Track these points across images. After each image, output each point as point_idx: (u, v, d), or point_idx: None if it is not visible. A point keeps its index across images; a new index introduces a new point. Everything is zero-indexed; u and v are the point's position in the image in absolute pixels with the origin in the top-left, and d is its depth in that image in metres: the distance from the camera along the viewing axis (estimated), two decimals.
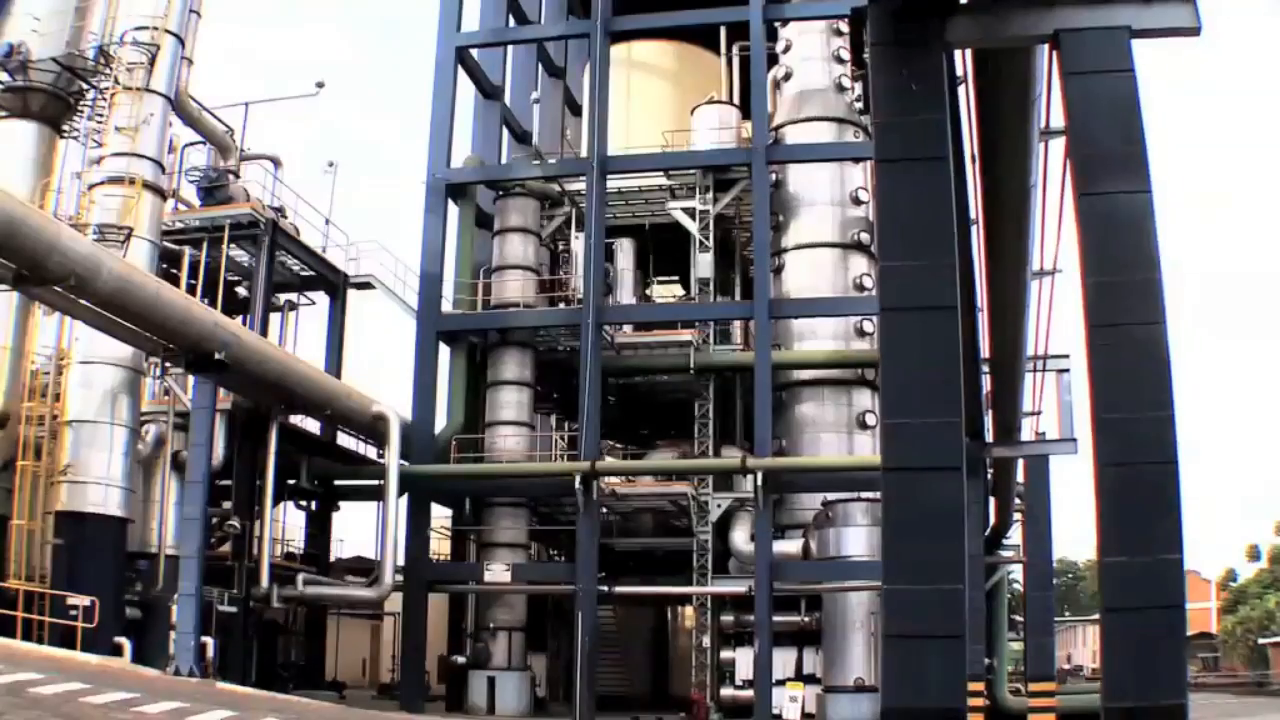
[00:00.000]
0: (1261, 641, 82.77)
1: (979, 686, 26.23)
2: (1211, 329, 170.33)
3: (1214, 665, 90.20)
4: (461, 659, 37.45)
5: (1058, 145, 11.41)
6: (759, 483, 34.03)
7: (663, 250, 43.34)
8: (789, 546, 36.01)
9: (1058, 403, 31.04)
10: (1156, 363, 8.85)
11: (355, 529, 73.62)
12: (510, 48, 45.46)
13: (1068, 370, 30.89)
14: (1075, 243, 8.37)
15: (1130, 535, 8.93)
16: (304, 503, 39.93)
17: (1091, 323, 8.75)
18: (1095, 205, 8.55)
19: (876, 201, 9.50)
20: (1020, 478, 32.55)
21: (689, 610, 45.31)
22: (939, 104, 9.44)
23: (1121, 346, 8.74)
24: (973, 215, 14.47)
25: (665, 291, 47.48)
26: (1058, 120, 10.84)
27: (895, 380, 9.20)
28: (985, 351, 19.96)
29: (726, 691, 36.16)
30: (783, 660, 35.09)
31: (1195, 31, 9.68)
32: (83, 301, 24.98)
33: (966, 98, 11.21)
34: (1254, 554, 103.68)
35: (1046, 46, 10.00)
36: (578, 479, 34.66)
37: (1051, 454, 27.66)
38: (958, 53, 10.72)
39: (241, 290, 38.67)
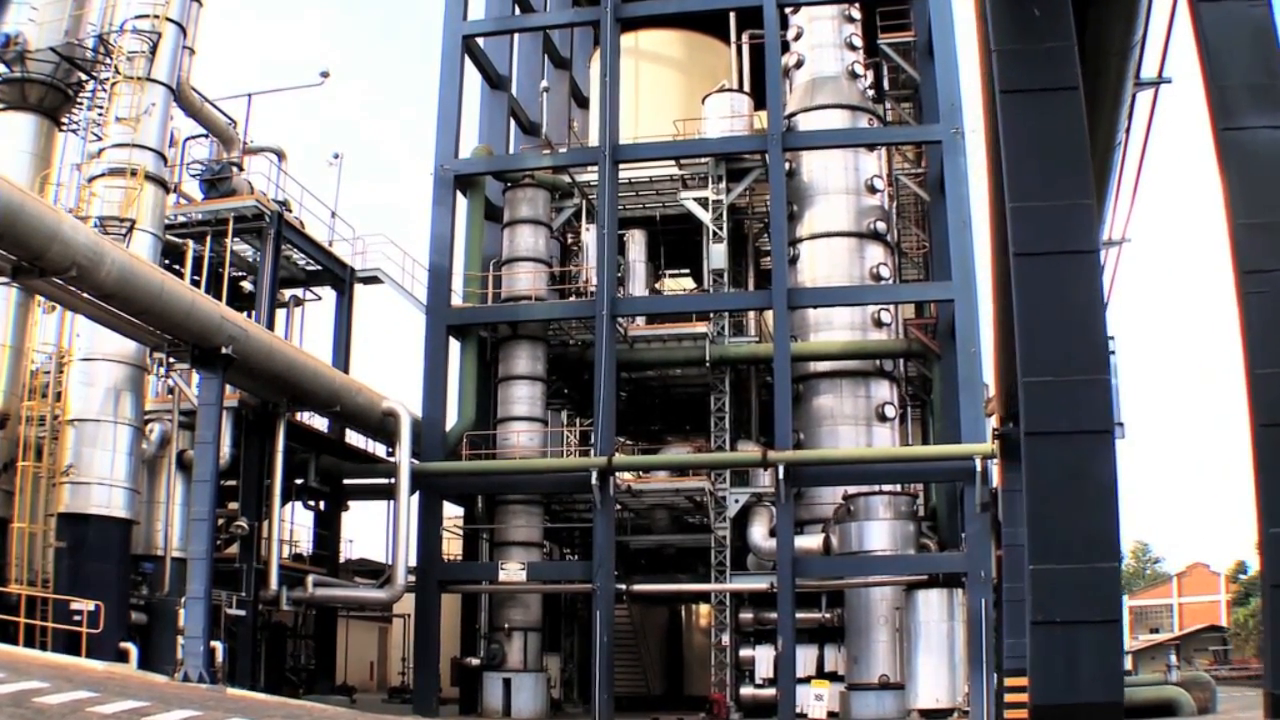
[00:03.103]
0: None
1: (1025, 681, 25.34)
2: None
3: (1224, 658, 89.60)
4: (475, 661, 36.75)
5: (1144, 102, 10.64)
6: (780, 476, 33.26)
7: (674, 243, 42.78)
8: (809, 542, 35.40)
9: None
10: None
11: (358, 530, 73.10)
12: (516, 40, 44.77)
13: (1114, 353, 30.08)
14: (1218, 181, 7.47)
15: None
16: (312, 502, 39.12)
17: (1242, 269, 7.91)
18: (1237, 141, 7.69)
19: (1002, 136, 8.61)
20: None
21: (704, 608, 44.77)
22: (1065, 31, 8.61)
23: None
24: None
25: (676, 285, 46.74)
26: (1149, 71, 10.04)
27: (1031, 334, 8.32)
28: None
29: (746, 690, 35.69)
30: (804, 658, 34.59)
31: None
32: (84, 294, 24.23)
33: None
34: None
35: None
36: (594, 474, 33.92)
37: None
38: None
39: (246, 285, 37.98)
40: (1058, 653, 8.01)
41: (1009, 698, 24.71)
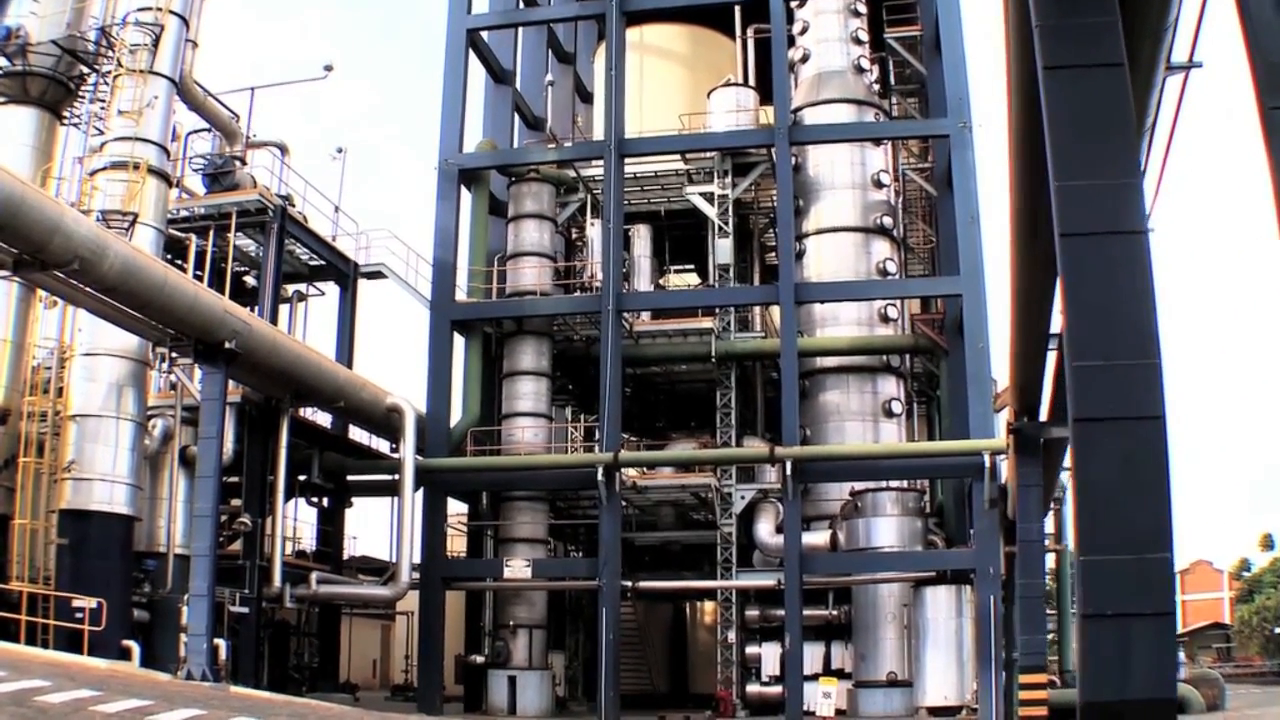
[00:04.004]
0: (1279, 631, 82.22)
1: (1043, 678, 25.16)
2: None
3: (1228, 655, 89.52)
4: (480, 658, 36.50)
5: (1174, 86, 10.36)
6: (788, 472, 33.01)
7: (679, 238, 42.65)
8: (815, 538, 35.17)
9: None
10: None
11: (360, 527, 72.83)
12: (520, 34, 44.52)
13: None
14: (1266, 163, 7.19)
15: None
16: (315, 499, 38.88)
17: None
18: None
19: (1046, 114, 8.35)
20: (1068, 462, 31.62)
21: (709, 606, 44.59)
22: (1109, 5, 8.34)
23: None
24: None
25: (680, 281, 46.52)
26: (1180, 55, 9.77)
27: (1081, 317, 8.04)
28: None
29: (753, 688, 35.54)
30: (811, 655, 34.42)
31: None
32: (87, 288, 23.93)
33: None
34: (1268, 543, 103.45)
35: None
36: (600, 470, 33.67)
37: None
38: None
39: (249, 280, 37.74)
40: (1109, 647, 7.71)
41: (1023, 695, 24.53)
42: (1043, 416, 23.89)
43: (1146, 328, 7.92)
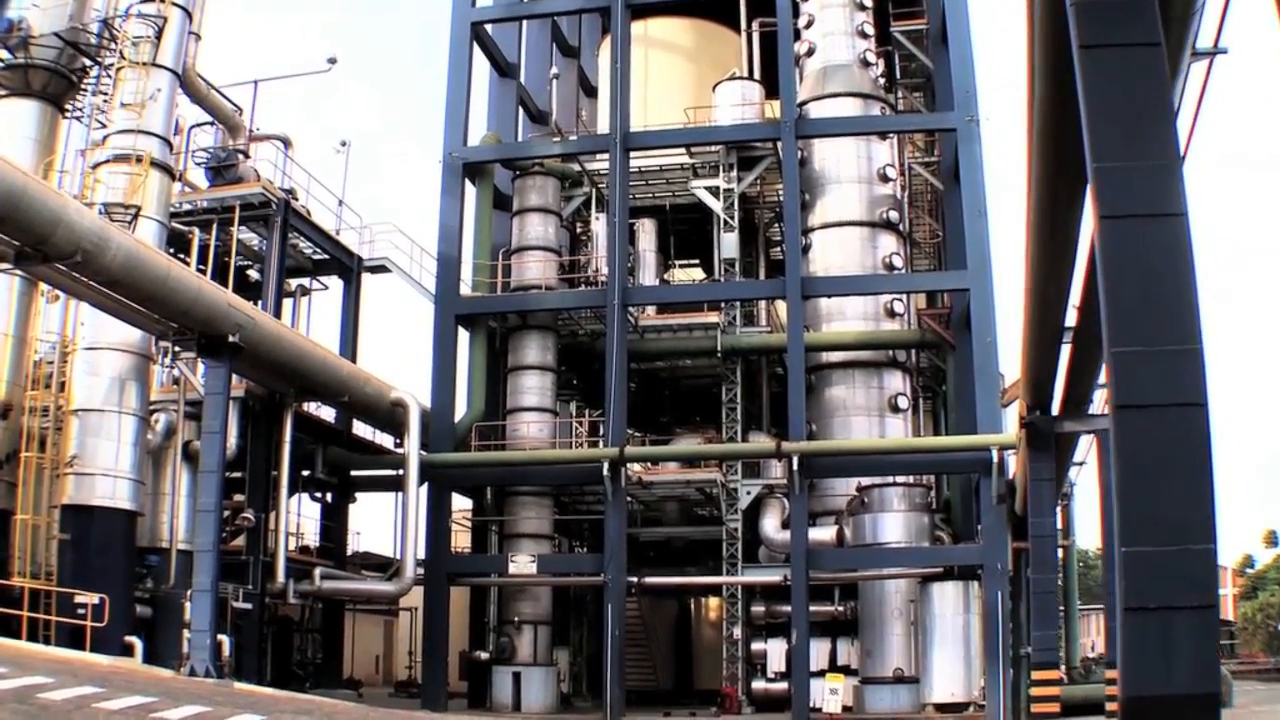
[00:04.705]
0: None
1: (1056, 674, 25.00)
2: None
3: (1231, 652, 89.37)
4: (484, 655, 36.29)
5: (1198, 74, 10.15)
6: (794, 467, 32.81)
7: (684, 233, 42.38)
8: (822, 534, 34.95)
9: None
10: None
11: (364, 523, 72.63)
12: (524, 27, 44.27)
13: None
14: None
15: None
16: (319, 494, 38.72)
17: None
18: None
19: (1082, 94, 8.15)
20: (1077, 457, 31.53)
21: (713, 602, 44.38)
22: None
23: None
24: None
25: (685, 276, 46.30)
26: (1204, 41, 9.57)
27: (1120, 302, 7.83)
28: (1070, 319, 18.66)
29: (758, 684, 35.39)
30: (816, 651, 34.17)
31: None
32: (90, 280, 23.74)
33: None
34: (1272, 539, 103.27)
35: None
36: (605, 466, 33.48)
37: None
38: None
39: (252, 274, 37.54)
40: (1151, 641, 7.51)
41: (1035, 691, 24.36)
42: (1054, 410, 23.70)
43: (1188, 313, 7.72)
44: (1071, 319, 18.95)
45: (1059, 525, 39.09)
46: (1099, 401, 24.49)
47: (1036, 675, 24.42)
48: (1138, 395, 7.70)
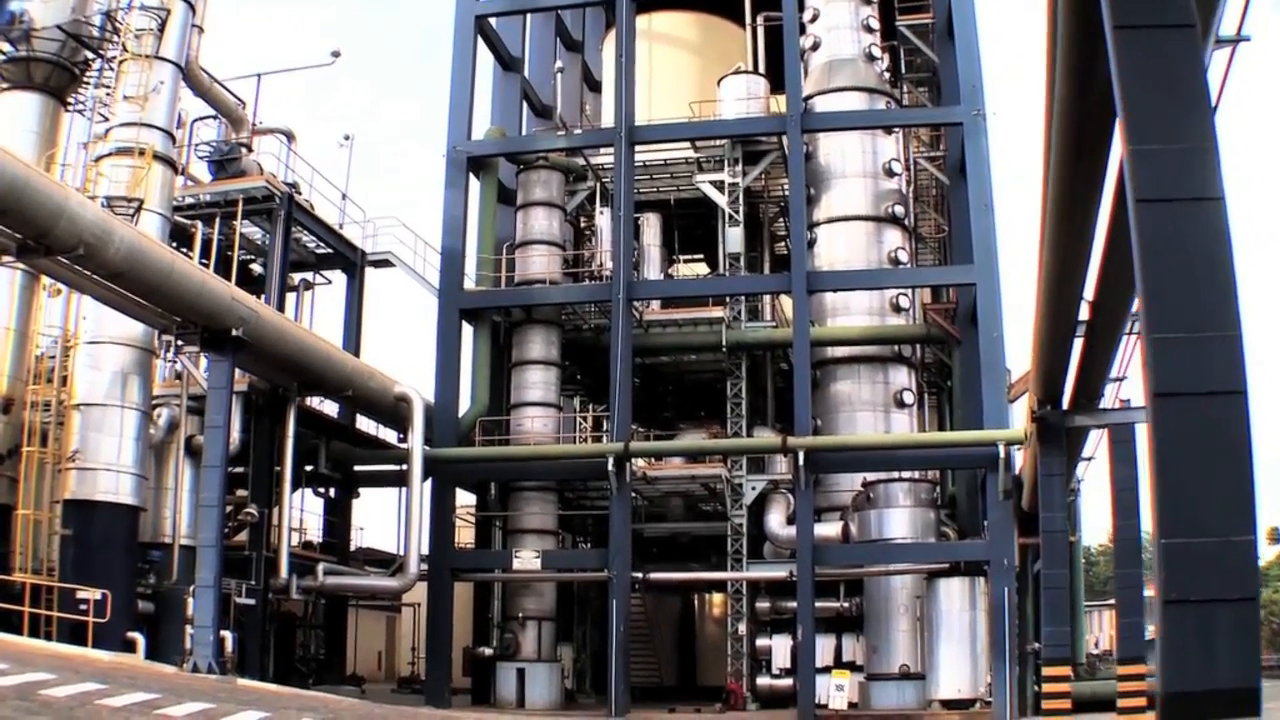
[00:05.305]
0: None
1: (1067, 671, 24.81)
2: None
3: None
4: (488, 650, 36.17)
5: (1220, 61, 9.96)
6: (800, 463, 32.65)
7: (688, 228, 42.23)
8: (827, 529, 34.82)
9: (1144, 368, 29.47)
10: None
11: (367, 518, 72.37)
12: (528, 21, 44.04)
13: None
14: None
15: None
16: (322, 489, 38.57)
17: None
18: None
19: (1116, 75, 7.96)
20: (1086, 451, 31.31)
21: (718, 598, 44.25)
22: None
23: None
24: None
25: (689, 271, 46.13)
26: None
27: (1158, 288, 7.66)
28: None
29: (763, 680, 35.21)
30: (822, 648, 34.00)
31: None
32: (92, 274, 23.57)
33: None
34: (1275, 536, 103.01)
35: None
36: (610, 461, 33.31)
37: (1140, 422, 25.92)
38: None
39: (255, 268, 37.40)
40: (1191, 634, 7.33)
41: (1047, 688, 24.17)
42: (1064, 405, 23.51)
43: (1227, 299, 7.54)
44: (1083, 312, 18.76)
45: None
46: (1110, 396, 24.32)
47: (1048, 671, 24.21)
48: (1176, 383, 7.53)
